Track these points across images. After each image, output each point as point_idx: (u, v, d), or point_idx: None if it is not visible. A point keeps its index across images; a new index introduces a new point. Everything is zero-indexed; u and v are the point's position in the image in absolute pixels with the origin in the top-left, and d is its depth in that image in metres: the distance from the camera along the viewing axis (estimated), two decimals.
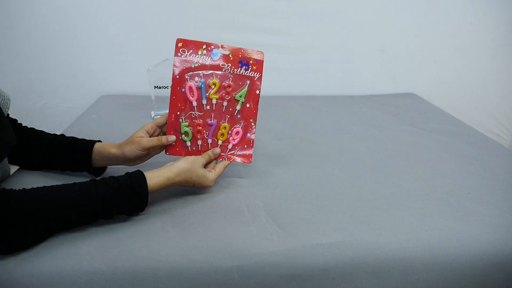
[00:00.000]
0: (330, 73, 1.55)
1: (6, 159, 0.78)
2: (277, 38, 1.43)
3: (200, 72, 0.78)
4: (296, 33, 1.46)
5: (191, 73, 0.77)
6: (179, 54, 0.77)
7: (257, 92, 0.81)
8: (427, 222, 0.71)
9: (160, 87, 1.21)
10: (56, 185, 0.63)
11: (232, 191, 0.79)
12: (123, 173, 0.68)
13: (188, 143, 0.79)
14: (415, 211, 0.74)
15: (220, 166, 0.79)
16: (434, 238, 0.67)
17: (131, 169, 0.72)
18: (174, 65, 0.77)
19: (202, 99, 0.78)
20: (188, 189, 0.77)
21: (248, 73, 0.80)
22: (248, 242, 0.64)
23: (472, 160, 0.98)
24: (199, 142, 0.80)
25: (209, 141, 0.80)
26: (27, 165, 0.84)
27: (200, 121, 0.79)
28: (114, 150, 0.77)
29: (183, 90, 0.78)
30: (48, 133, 0.83)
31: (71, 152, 0.79)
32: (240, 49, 0.79)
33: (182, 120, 0.78)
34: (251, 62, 0.80)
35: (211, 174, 0.76)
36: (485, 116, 1.69)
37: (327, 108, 1.37)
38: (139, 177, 0.67)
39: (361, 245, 0.65)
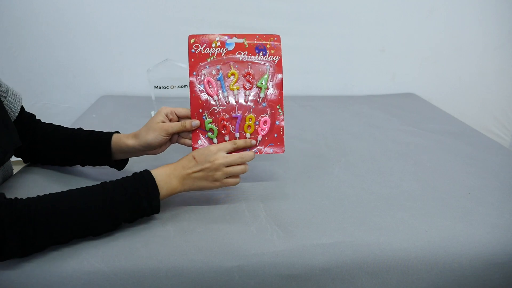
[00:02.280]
0: (330, 73, 1.55)
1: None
2: None
3: (217, 65, 0.74)
4: (296, 33, 1.46)
5: (208, 67, 0.74)
6: (193, 50, 0.73)
7: (280, 76, 0.76)
8: (427, 222, 0.71)
9: (160, 87, 1.21)
10: (64, 192, 0.60)
11: (232, 191, 0.79)
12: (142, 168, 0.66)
13: (215, 140, 0.75)
14: (415, 211, 0.74)
15: (229, 143, 0.72)
16: (434, 238, 0.67)
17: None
18: (190, 62, 0.74)
19: (222, 92, 0.75)
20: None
21: (266, 58, 0.75)
22: (248, 243, 0.64)
23: (472, 160, 0.98)
24: (226, 138, 0.75)
25: (237, 135, 0.75)
26: (45, 161, 0.82)
27: (225, 116, 0.75)
28: (130, 142, 0.73)
29: (201, 85, 0.75)
30: (65, 127, 0.80)
31: (89, 146, 0.75)
32: (255, 35, 0.75)
33: (206, 117, 0.74)
34: (268, 46, 0.75)
35: (213, 147, 0.69)
36: (485, 116, 1.69)
37: (327, 108, 1.37)
38: (145, 174, 0.64)
39: (361, 245, 0.65)
